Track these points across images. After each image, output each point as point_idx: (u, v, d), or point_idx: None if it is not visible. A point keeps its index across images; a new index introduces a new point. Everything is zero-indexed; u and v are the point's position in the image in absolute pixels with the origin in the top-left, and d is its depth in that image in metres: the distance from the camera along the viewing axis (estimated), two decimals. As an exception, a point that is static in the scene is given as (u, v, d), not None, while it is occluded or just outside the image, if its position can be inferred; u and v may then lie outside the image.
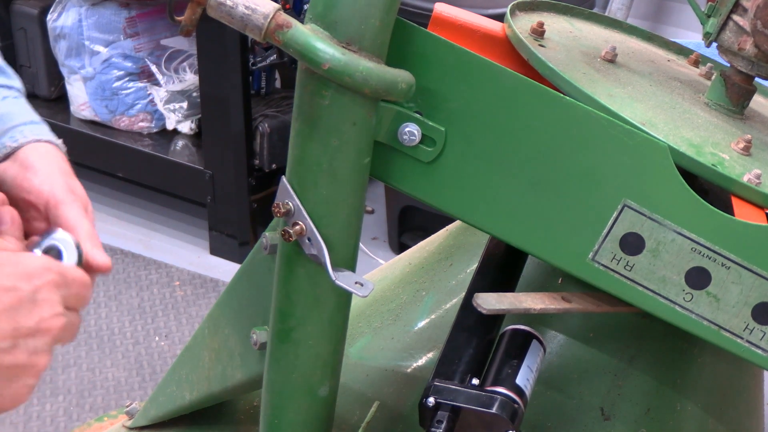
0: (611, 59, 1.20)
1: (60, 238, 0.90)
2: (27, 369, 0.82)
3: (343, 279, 1.00)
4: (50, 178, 0.99)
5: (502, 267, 1.17)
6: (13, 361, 0.80)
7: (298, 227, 1.01)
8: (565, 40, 1.21)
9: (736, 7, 1.13)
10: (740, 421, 1.29)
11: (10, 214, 0.92)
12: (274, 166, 3.23)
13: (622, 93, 1.11)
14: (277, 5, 0.95)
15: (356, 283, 1.00)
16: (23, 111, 1.04)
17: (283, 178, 1.03)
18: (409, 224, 3.33)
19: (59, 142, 1.07)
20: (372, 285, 1.00)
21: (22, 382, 0.82)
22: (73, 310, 0.87)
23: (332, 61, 0.93)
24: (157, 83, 3.39)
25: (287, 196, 1.01)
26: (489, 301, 1.05)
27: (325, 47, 0.93)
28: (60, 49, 3.45)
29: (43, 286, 0.83)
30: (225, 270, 3.21)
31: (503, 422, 1.00)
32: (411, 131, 1.01)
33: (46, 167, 1.00)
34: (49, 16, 3.44)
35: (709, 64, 1.35)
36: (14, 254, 0.85)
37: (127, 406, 1.56)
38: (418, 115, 1.02)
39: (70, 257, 0.90)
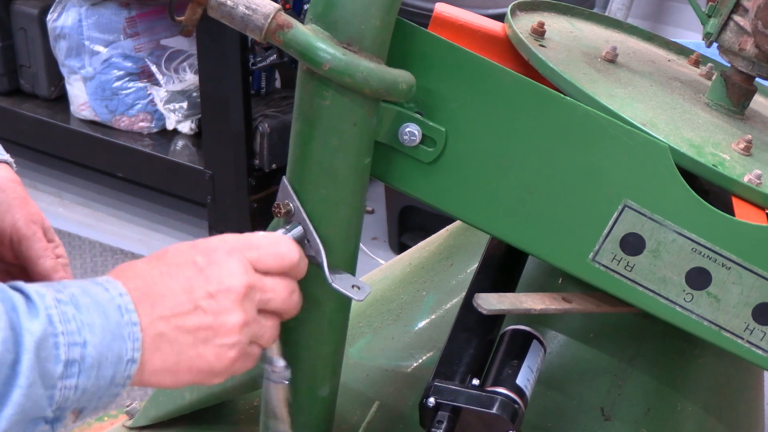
0: (612, 59, 1.20)
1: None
2: (216, 328, 0.87)
3: (340, 282, 1.00)
4: (11, 213, 1.07)
5: (502, 267, 1.17)
6: (197, 323, 0.86)
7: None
8: (565, 40, 1.21)
9: (737, 8, 1.13)
10: (740, 421, 1.29)
11: None
12: (274, 166, 3.23)
13: (622, 93, 1.11)
14: (277, 5, 0.95)
15: (353, 286, 1.00)
16: None
17: (284, 179, 1.02)
18: (409, 224, 3.33)
19: (8, 157, 1.13)
20: (369, 288, 1.00)
21: (217, 342, 0.87)
22: (270, 273, 0.92)
23: (333, 61, 0.93)
24: (157, 83, 3.39)
25: (288, 196, 1.01)
26: (489, 302, 1.05)
27: (325, 47, 0.93)
28: (60, 49, 3.45)
29: (219, 254, 0.89)
30: (225, 270, 3.21)
31: (503, 422, 1.00)
32: (411, 131, 1.01)
33: (4, 201, 1.07)
34: (49, 16, 3.44)
35: (709, 64, 1.35)
36: (195, 240, 0.91)
37: (127, 406, 1.56)
38: (418, 116, 1.02)
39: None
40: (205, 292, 0.87)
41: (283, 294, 0.94)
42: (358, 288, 1.00)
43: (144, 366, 0.84)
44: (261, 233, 0.96)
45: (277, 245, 0.94)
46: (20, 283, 0.80)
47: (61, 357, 0.78)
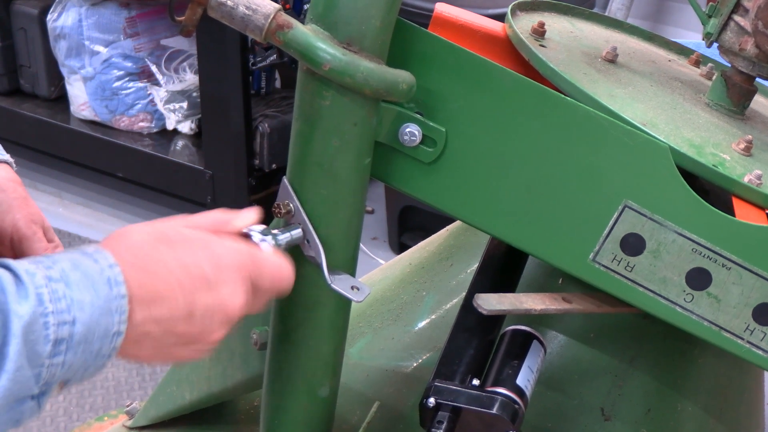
0: (612, 59, 1.19)
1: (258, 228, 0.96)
2: (199, 339, 0.89)
3: (339, 283, 1.00)
4: (11, 213, 1.07)
5: (502, 267, 1.17)
6: (186, 330, 0.88)
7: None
8: (565, 41, 1.21)
9: (737, 8, 1.13)
10: (740, 421, 1.29)
11: None
12: (274, 166, 3.23)
13: (622, 93, 1.11)
14: (277, 5, 0.95)
15: (352, 287, 1.00)
16: None
17: (284, 179, 1.02)
18: (409, 224, 3.33)
19: (8, 157, 1.12)
20: (368, 290, 1.00)
21: (195, 347, 0.90)
22: (264, 290, 0.93)
23: (333, 61, 0.93)
24: (157, 83, 3.39)
25: (288, 196, 1.01)
26: (489, 302, 1.05)
27: (325, 48, 0.93)
28: (60, 49, 3.45)
29: (228, 270, 0.89)
30: (225, 270, 3.21)
31: (504, 423, 1.00)
32: (412, 132, 1.01)
33: (4, 201, 1.06)
34: (49, 16, 3.44)
35: (709, 65, 1.35)
36: (209, 236, 0.90)
37: (128, 406, 1.56)
38: (418, 116, 1.02)
39: (266, 244, 0.96)
40: (205, 306, 0.88)
41: (259, 307, 0.96)
42: (357, 289, 1.00)
43: (122, 349, 0.85)
44: (269, 254, 0.95)
45: (281, 278, 0.95)
46: (8, 261, 0.79)
47: (50, 337, 0.78)
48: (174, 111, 3.40)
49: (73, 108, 3.54)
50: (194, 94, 3.36)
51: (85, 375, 0.83)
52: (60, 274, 0.80)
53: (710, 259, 1.00)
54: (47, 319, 0.78)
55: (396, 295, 1.37)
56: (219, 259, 0.89)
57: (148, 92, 3.41)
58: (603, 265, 1.02)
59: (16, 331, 0.76)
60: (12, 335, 0.75)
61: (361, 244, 1.07)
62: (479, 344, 1.08)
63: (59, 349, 0.79)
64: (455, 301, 1.29)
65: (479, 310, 1.05)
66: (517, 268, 1.18)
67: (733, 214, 1.00)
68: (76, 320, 0.79)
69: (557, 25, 1.26)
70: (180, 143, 3.44)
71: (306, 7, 2.62)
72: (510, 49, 1.15)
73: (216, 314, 0.89)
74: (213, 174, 3.23)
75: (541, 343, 1.09)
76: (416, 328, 1.32)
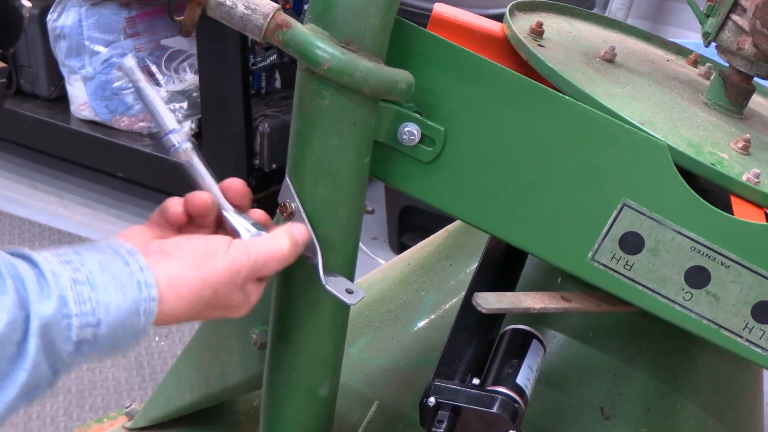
0: (610, 59, 1.20)
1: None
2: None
3: (334, 284, 1.00)
4: None
5: (501, 266, 1.17)
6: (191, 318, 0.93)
7: (298, 227, 1.01)
8: (564, 40, 1.21)
9: (735, 7, 1.14)
10: (740, 420, 1.29)
11: None
12: (274, 166, 3.23)
13: (621, 92, 1.11)
14: (276, 5, 0.95)
15: (347, 290, 1.00)
16: None
17: (287, 178, 1.03)
18: (409, 224, 3.33)
19: None
20: (362, 294, 1.00)
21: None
22: (269, 274, 0.97)
23: (332, 60, 0.93)
24: (157, 83, 3.39)
25: (289, 195, 1.02)
26: (489, 301, 1.05)
27: (324, 47, 0.93)
28: (60, 49, 3.45)
29: (235, 293, 0.93)
30: (225, 270, 3.21)
31: (504, 422, 1.00)
32: (411, 131, 1.01)
33: None
34: (49, 16, 3.44)
35: (708, 64, 1.35)
36: (234, 261, 0.93)
37: (127, 407, 1.56)
38: (417, 115, 1.02)
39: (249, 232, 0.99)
40: (210, 315, 0.94)
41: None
42: (352, 292, 1.00)
43: None
44: (257, 244, 0.97)
45: (280, 258, 0.97)
46: (35, 257, 0.81)
47: (72, 338, 0.80)
48: (174, 111, 3.40)
49: (73, 108, 3.54)
50: (194, 94, 3.36)
51: (102, 360, 0.87)
52: (86, 277, 0.81)
53: (709, 258, 1.00)
54: (70, 321, 0.79)
55: (395, 295, 1.37)
56: (251, 273, 0.93)
57: (148, 92, 3.41)
58: (602, 264, 1.02)
59: (34, 329, 0.77)
60: (31, 333, 0.77)
61: (361, 244, 1.07)
62: (479, 343, 1.08)
63: (82, 349, 0.81)
64: (454, 301, 1.29)
65: (478, 308, 1.05)
66: (517, 267, 1.19)
67: (731, 212, 1.01)
68: (101, 322, 0.81)
69: (555, 25, 1.26)
70: (180, 143, 3.44)
71: (306, 7, 2.62)
72: (508, 49, 1.15)
73: (221, 313, 0.94)
74: (213, 174, 3.23)
75: (541, 342, 1.09)
76: (416, 328, 1.32)
